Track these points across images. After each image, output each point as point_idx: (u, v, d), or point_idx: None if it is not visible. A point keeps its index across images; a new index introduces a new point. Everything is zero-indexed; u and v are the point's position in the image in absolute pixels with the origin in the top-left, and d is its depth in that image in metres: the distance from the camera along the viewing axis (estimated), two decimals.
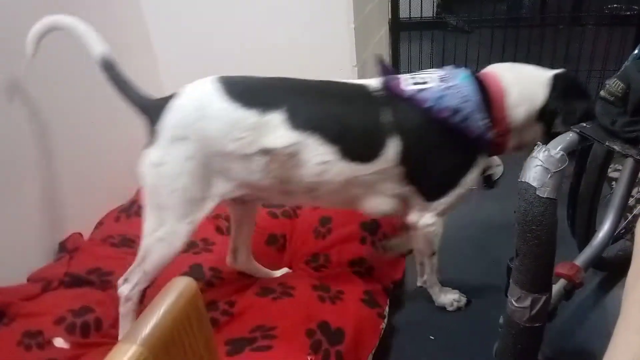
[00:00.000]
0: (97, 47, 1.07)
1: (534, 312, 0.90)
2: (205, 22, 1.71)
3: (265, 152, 1.02)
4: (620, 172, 1.28)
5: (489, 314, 1.06)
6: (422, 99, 1.05)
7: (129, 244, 1.41)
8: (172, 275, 1.25)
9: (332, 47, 1.65)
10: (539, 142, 0.91)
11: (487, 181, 1.39)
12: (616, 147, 0.89)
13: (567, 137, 0.92)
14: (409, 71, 1.29)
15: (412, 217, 1.18)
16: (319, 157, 1.05)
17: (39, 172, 1.36)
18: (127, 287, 1.10)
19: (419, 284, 1.34)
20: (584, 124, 0.94)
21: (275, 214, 1.51)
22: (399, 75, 1.12)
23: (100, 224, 1.53)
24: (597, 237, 1.24)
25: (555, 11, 3.07)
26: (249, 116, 1.01)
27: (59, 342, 1.09)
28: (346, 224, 1.43)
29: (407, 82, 1.09)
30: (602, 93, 0.94)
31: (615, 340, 0.46)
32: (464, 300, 1.34)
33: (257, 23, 1.68)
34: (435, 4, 3.27)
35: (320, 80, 1.12)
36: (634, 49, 1.08)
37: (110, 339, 1.14)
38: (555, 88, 1.10)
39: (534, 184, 0.84)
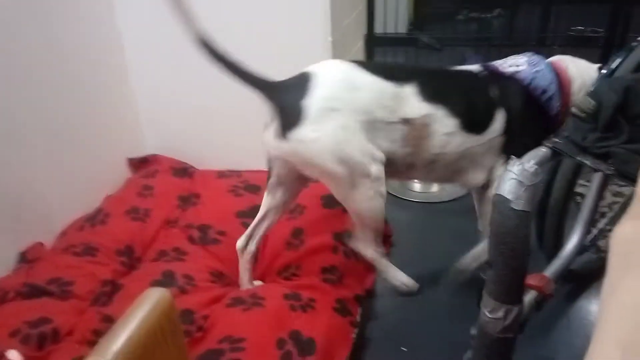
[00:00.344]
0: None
1: (507, 323, 0.90)
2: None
3: (405, 121, 1.13)
4: (587, 186, 1.32)
5: (462, 325, 1.06)
6: (521, 78, 1.21)
7: (92, 252, 1.35)
8: (144, 282, 1.23)
9: (310, 60, 1.64)
10: (513, 156, 0.93)
11: None
12: (587, 162, 0.91)
13: (541, 152, 0.94)
14: None
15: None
16: (445, 129, 1.16)
17: None
18: (369, 251, 1.24)
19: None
20: (557, 139, 0.96)
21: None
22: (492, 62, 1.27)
23: (63, 234, 1.47)
24: (566, 249, 1.28)
25: (523, 32, 3.18)
26: (389, 87, 1.12)
27: (13, 355, 1.03)
28: (318, 235, 1.42)
29: (504, 66, 1.24)
30: (573, 110, 0.96)
31: (592, 356, 0.46)
32: None
33: (234, 39, 1.65)
34: (408, 22, 3.34)
35: (432, 66, 1.36)
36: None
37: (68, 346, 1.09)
38: None
39: (509, 196, 0.85)
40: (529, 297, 1.08)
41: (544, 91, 1.22)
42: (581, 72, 1.27)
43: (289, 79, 1.10)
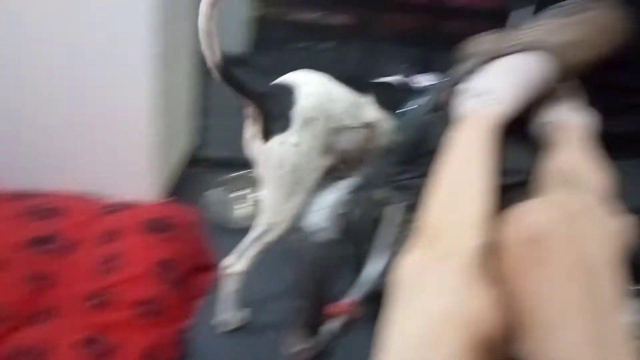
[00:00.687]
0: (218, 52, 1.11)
1: (314, 350, 0.91)
2: None
3: (366, 125, 1.30)
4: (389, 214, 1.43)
5: None
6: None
7: None
8: None
9: (134, 74, 1.51)
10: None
11: None
12: (388, 194, 0.97)
13: (349, 182, 0.97)
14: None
15: None
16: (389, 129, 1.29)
17: None
18: (241, 264, 1.22)
19: None
20: (367, 170, 1.02)
21: (45, 249, 1.27)
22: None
23: None
24: (369, 273, 1.35)
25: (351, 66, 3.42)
26: (354, 98, 1.29)
27: None
28: (136, 262, 1.28)
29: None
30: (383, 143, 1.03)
31: None
32: None
33: (56, 59, 1.46)
34: (246, 42, 3.33)
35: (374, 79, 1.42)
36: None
37: None
38: None
39: (317, 225, 0.86)
40: (334, 324, 1.11)
41: None
42: None
43: (274, 89, 1.22)
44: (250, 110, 1.19)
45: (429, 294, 0.52)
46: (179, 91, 1.88)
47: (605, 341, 0.48)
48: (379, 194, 1.16)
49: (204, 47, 1.09)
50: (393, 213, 1.35)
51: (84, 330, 1.08)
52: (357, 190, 0.98)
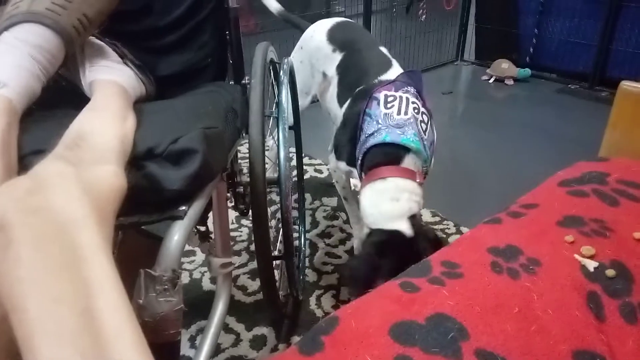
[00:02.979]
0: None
1: None
2: None
3: (324, 74, 1.56)
4: None
5: None
6: (376, 104, 1.26)
7: None
8: None
9: None
10: None
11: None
12: None
13: None
14: None
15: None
16: (334, 91, 1.49)
17: None
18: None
19: None
20: None
21: None
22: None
23: None
24: None
25: None
26: (328, 49, 1.55)
27: None
28: None
29: (398, 91, 1.28)
30: None
31: None
32: None
33: None
34: None
35: (374, 48, 1.51)
36: None
37: None
38: None
39: None
40: None
41: (362, 131, 1.25)
42: (378, 199, 1.18)
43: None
44: None
45: None
46: None
47: (84, 292, 0.48)
48: None
49: None
50: None
51: None
52: None
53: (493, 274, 0.74)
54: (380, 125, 1.21)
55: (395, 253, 1.10)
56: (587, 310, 0.67)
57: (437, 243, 1.13)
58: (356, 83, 1.40)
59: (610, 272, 0.74)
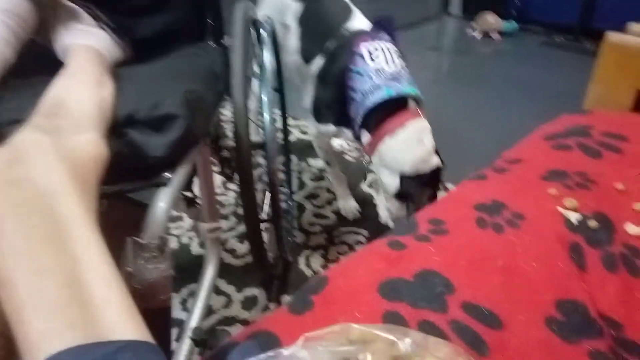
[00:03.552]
0: None
1: None
2: None
3: (285, 25, 1.50)
4: None
5: None
6: (357, 63, 1.26)
7: None
8: None
9: None
10: None
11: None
12: None
13: None
14: None
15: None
16: (293, 46, 1.47)
17: None
18: None
19: None
20: None
21: None
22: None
23: None
24: None
25: None
26: (292, 3, 1.49)
27: None
28: None
29: (375, 47, 1.27)
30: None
31: None
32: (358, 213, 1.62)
33: None
34: None
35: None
36: None
37: None
38: None
39: None
40: None
41: (353, 90, 1.25)
42: (407, 145, 1.23)
43: None
44: None
45: None
46: None
47: (70, 262, 0.48)
48: None
49: None
50: None
51: None
52: None
53: (478, 229, 0.75)
54: (376, 82, 1.23)
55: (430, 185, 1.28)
56: (569, 261, 0.69)
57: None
58: (322, 36, 1.37)
59: (592, 224, 0.75)
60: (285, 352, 0.45)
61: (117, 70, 0.85)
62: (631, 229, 0.74)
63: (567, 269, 0.67)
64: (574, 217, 0.77)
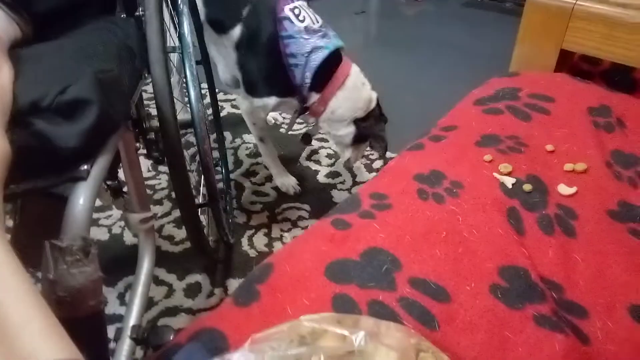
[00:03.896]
0: None
1: None
2: None
3: None
4: None
5: None
6: (284, 27, 1.24)
7: None
8: None
9: None
10: None
11: (305, 138, 1.59)
12: None
13: None
14: None
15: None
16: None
17: None
18: None
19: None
20: None
21: None
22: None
23: None
24: None
25: None
26: None
27: None
28: None
29: (292, 9, 1.25)
30: None
31: None
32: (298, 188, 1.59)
33: None
34: None
35: None
36: None
37: None
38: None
39: None
40: None
41: (293, 55, 1.25)
42: (356, 92, 1.35)
43: None
44: None
45: None
46: None
47: None
48: None
49: None
50: None
51: None
52: None
53: (420, 201, 0.74)
54: (312, 40, 1.25)
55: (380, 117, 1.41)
56: (508, 227, 0.70)
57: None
58: (236, 3, 1.31)
59: (527, 187, 0.77)
60: (233, 357, 0.42)
61: (16, 52, 0.74)
62: (563, 189, 0.77)
63: (506, 234, 0.69)
64: (509, 181, 0.79)
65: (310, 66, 1.26)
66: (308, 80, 1.28)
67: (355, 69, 1.35)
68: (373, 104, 1.38)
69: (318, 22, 1.28)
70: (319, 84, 1.30)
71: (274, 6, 1.25)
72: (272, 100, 1.34)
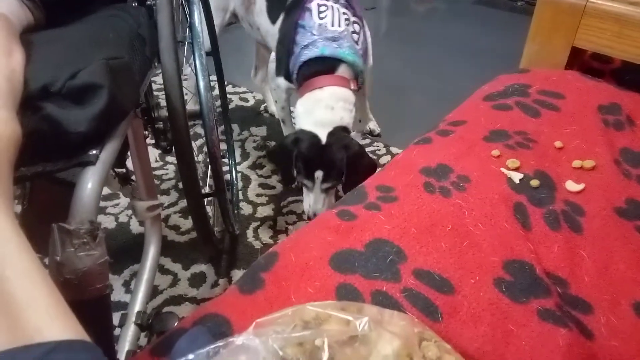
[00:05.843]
0: None
1: None
2: None
3: None
4: None
5: None
6: (307, 18, 1.27)
7: None
8: None
9: None
10: None
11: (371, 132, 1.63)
12: None
13: None
14: None
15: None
16: (262, 7, 1.46)
17: None
18: None
19: None
20: None
21: None
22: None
23: None
24: None
25: None
26: None
27: None
28: None
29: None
30: None
31: None
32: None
33: None
34: None
35: None
36: None
37: None
38: None
39: None
40: None
41: (295, 43, 1.28)
42: (313, 107, 1.26)
43: None
44: None
45: None
46: None
47: None
48: None
49: None
50: None
51: None
52: None
53: (426, 194, 0.74)
54: (315, 37, 1.23)
55: (307, 151, 1.23)
56: (514, 221, 0.70)
57: (358, 157, 1.24)
58: None
59: (534, 182, 0.77)
60: (237, 340, 0.42)
61: (28, 37, 0.75)
62: (571, 185, 0.76)
63: (512, 229, 0.68)
64: (516, 176, 0.78)
65: (299, 58, 1.26)
66: (295, 71, 1.30)
67: (330, 90, 1.25)
68: (312, 136, 1.24)
69: (340, 27, 1.25)
70: (300, 79, 1.30)
71: None
72: (281, 81, 1.39)
